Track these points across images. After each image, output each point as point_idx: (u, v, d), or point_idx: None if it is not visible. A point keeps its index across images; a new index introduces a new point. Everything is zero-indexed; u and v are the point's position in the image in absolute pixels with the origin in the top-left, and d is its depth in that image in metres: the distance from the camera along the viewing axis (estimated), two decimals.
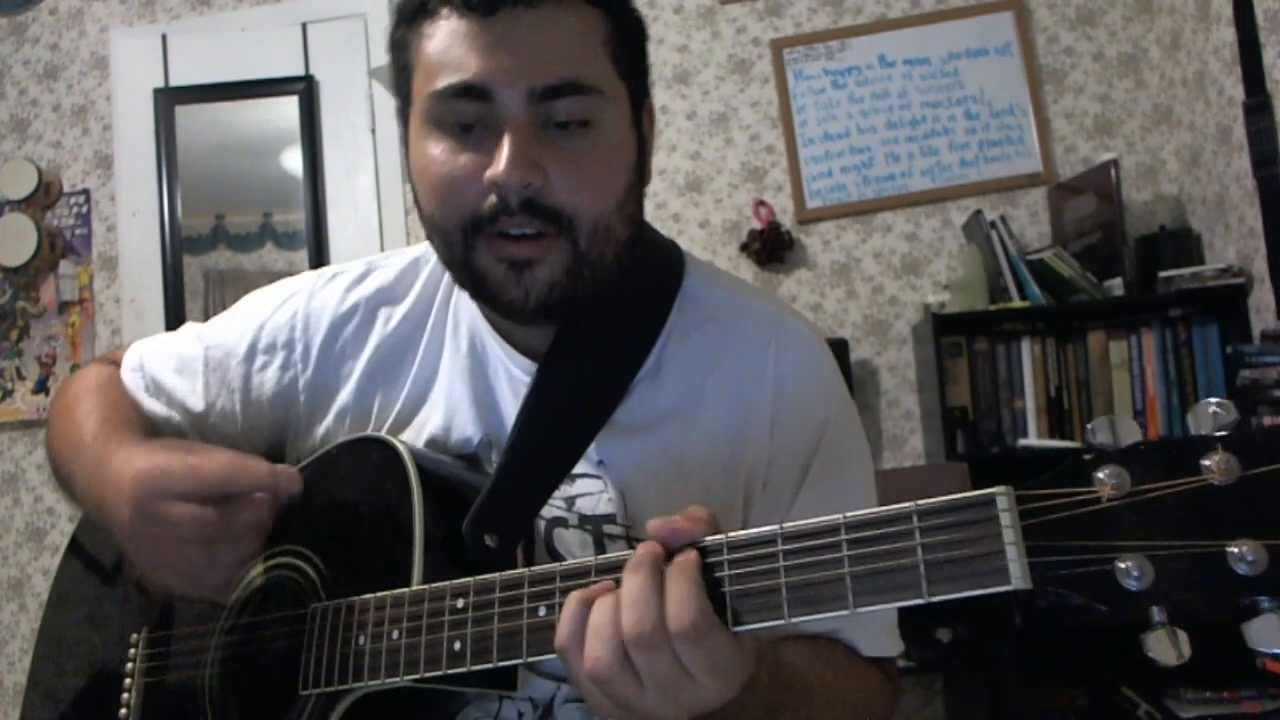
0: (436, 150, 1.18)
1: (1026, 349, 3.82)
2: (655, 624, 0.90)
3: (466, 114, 1.15)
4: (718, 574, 0.93)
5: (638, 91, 1.25)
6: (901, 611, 1.34)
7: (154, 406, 1.45)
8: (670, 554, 0.95)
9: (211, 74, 4.41)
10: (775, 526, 0.91)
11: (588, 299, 1.22)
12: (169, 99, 4.41)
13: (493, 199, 1.14)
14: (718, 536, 0.95)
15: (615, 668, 0.91)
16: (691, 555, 0.94)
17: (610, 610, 0.93)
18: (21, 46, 4.61)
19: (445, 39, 1.15)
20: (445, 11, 1.15)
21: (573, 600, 0.96)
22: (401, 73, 1.23)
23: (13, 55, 4.61)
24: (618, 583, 0.96)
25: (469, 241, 1.18)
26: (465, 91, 1.14)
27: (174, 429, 1.44)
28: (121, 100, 4.47)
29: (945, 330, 3.79)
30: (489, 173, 1.13)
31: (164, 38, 4.48)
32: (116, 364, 1.52)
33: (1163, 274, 3.72)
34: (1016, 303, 3.80)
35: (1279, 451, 0.71)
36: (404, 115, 1.26)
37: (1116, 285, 3.74)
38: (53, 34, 4.59)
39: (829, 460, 1.30)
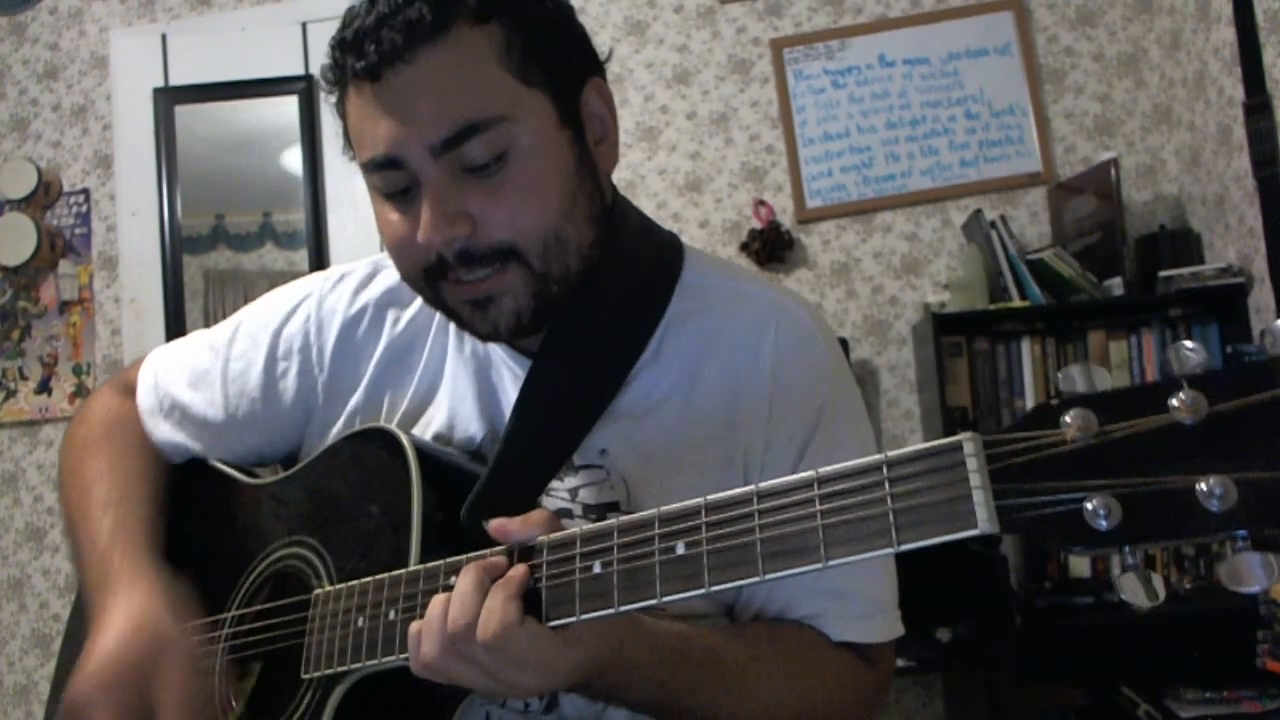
0: (382, 214, 1.22)
1: (1026, 349, 3.82)
2: (469, 625, 0.99)
3: (393, 181, 1.17)
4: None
5: (564, 86, 1.22)
6: (904, 607, 1.34)
7: (162, 434, 1.50)
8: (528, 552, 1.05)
9: (211, 74, 4.42)
10: (752, 488, 0.92)
11: (564, 305, 1.23)
12: (169, 99, 4.41)
13: (432, 256, 1.17)
14: (569, 532, 1.02)
15: (443, 659, 1.01)
16: (518, 571, 1.02)
17: (442, 607, 1.02)
18: (21, 46, 4.62)
19: (354, 112, 1.18)
20: (348, 83, 1.17)
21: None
22: (346, 134, 1.25)
23: (13, 55, 4.62)
24: (607, 550, 0.99)
25: (433, 286, 1.22)
26: (382, 164, 1.16)
27: (181, 452, 1.50)
28: (121, 100, 4.48)
29: (945, 330, 3.79)
30: (417, 237, 1.15)
31: (164, 37, 4.49)
32: (129, 386, 1.56)
33: (1163, 274, 3.72)
34: (1016, 303, 3.80)
35: (1247, 387, 0.70)
36: None
37: (1116, 285, 3.74)
38: (53, 34, 4.60)
39: (825, 442, 1.30)
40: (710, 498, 0.94)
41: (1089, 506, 0.73)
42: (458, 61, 1.13)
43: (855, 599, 1.29)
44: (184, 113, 4.41)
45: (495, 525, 1.05)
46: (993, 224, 3.89)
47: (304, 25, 4.39)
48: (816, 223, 4.19)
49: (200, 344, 1.53)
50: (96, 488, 1.42)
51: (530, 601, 1.00)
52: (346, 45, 1.15)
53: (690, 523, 0.94)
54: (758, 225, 4.15)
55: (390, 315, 1.43)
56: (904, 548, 0.80)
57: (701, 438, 1.29)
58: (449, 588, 1.07)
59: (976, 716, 3.69)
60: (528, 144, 1.16)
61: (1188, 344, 0.74)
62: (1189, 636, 3.49)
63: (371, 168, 1.17)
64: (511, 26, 1.16)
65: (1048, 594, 3.53)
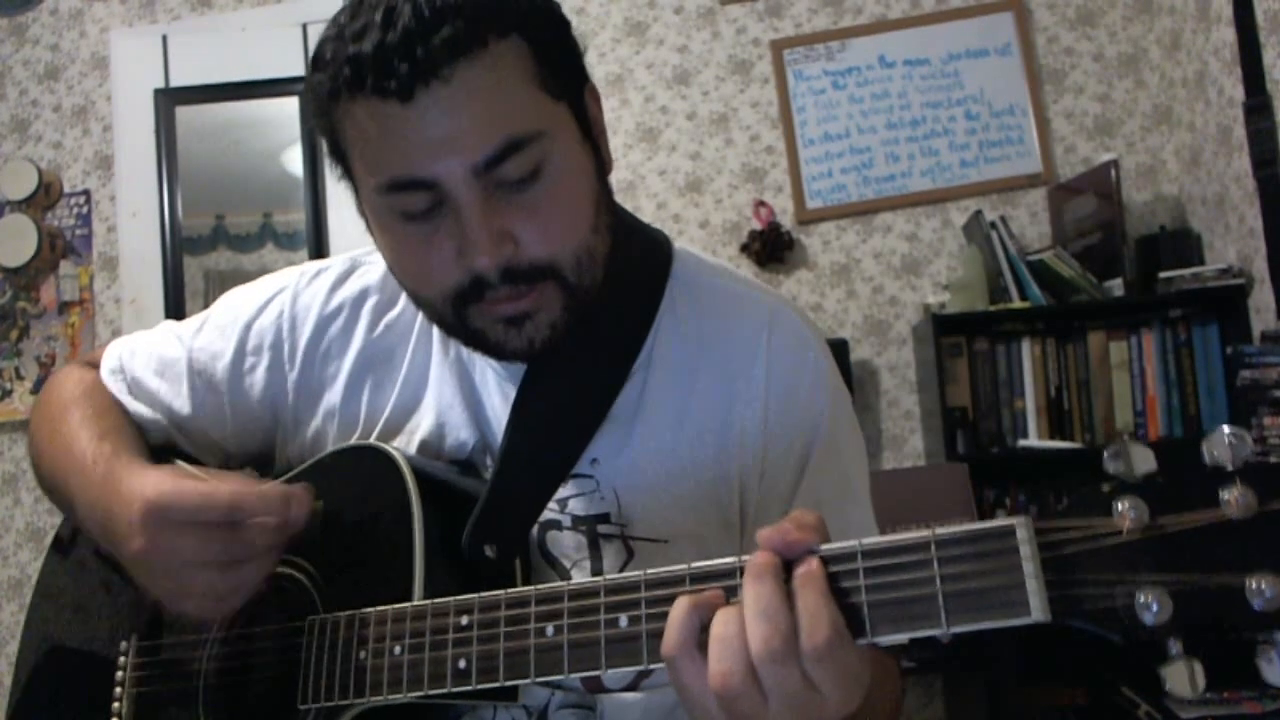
0: (397, 238, 1.16)
1: (1026, 349, 3.83)
2: (786, 638, 0.85)
3: (416, 203, 1.11)
4: (845, 584, 0.88)
5: (577, 96, 1.20)
6: None
7: (139, 409, 1.43)
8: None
9: (211, 74, 4.41)
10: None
11: (585, 317, 1.21)
12: (169, 99, 4.41)
13: (471, 277, 1.12)
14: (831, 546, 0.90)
15: (745, 683, 0.87)
16: (816, 565, 0.88)
17: (736, 622, 0.88)
18: (22, 47, 4.61)
19: (372, 128, 1.10)
20: (360, 98, 1.08)
21: (681, 605, 0.91)
22: (335, 150, 1.18)
23: (13, 55, 4.61)
24: (634, 604, 0.96)
25: (459, 311, 1.16)
26: (409, 185, 1.10)
27: (160, 432, 1.44)
28: (121, 100, 4.47)
29: (945, 330, 3.80)
30: (463, 260, 1.11)
31: (164, 38, 4.48)
32: (95, 366, 1.50)
33: (1163, 274, 3.74)
34: (1016, 303, 3.81)
35: None
36: (351, 184, 1.21)
37: (1116, 285, 3.75)
38: (53, 34, 4.59)
39: (826, 453, 1.29)
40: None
41: (1140, 599, 0.73)
42: (495, 79, 1.08)
43: None
44: (184, 113, 4.41)
45: (767, 533, 0.91)
46: (993, 224, 3.90)
47: (304, 26, 4.38)
48: (816, 223, 4.20)
49: (167, 334, 1.47)
50: (84, 431, 1.34)
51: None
52: (364, 61, 1.05)
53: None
54: (758, 226, 4.15)
55: (368, 315, 1.39)
56: (954, 630, 0.79)
57: (695, 447, 1.27)
58: (460, 626, 1.05)
59: (976, 716, 3.71)
60: (560, 159, 1.13)
61: (1228, 430, 0.74)
62: (1189, 637, 3.50)
63: (394, 189, 1.10)
64: (533, 39, 1.12)
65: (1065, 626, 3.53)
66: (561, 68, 1.16)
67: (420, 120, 1.07)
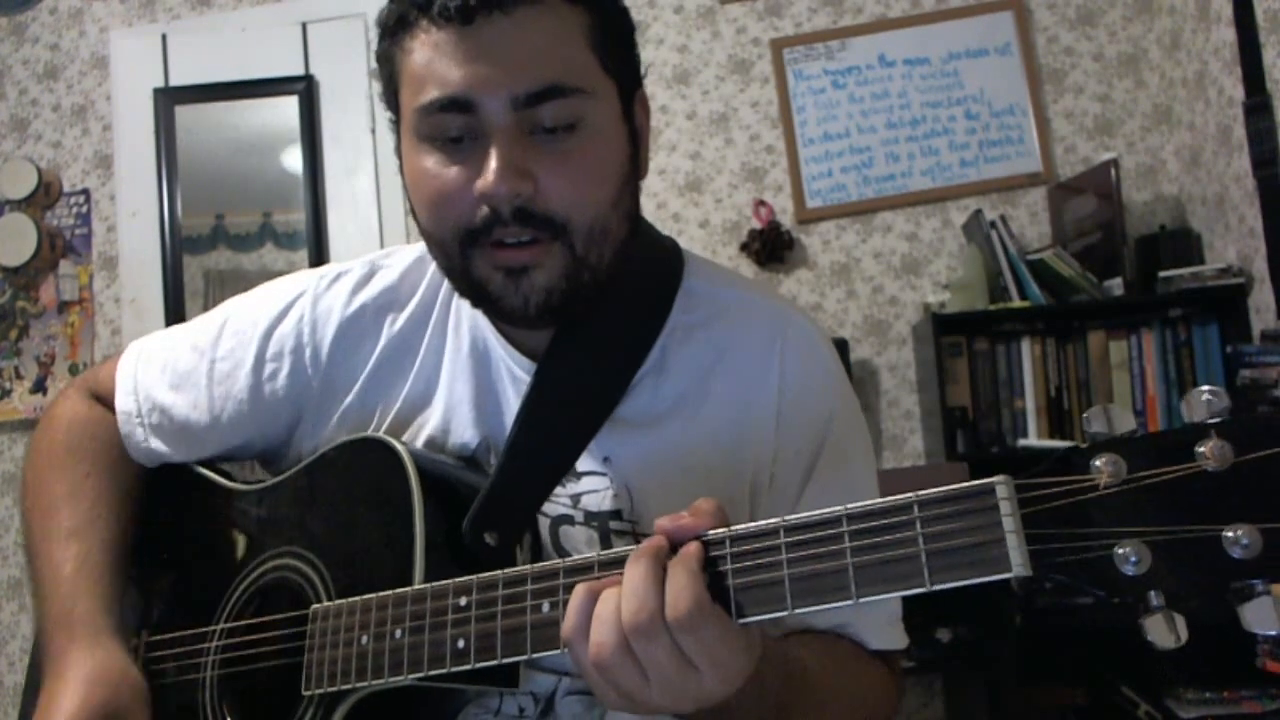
0: (427, 164, 1.18)
1: (1026, 349, 3.82)
2: (653, 612, 0.91)
3: (453, 127, 1.15)
4: (721, 566, 0.94)
5: (627, 84, 1.24)
6: (905, 609, 1.35)
7: (138, 441, 1.46)
8: (675, 548, 0.96)
9: (211, 74, 4.42)
10: (778, 519, 0.92)
11: (588, 299, 1.22)
12: (169, 99, 4.41)
13: (485, 210, 1.15)
14: (720, 530, 0.96)
15: (617, 656, 0.92)
16: (692, 547, 0.95)
17: (613, 600, 0.94)
18: (21, 46, 4.62)
19: (426, 53, 1.15)
20: (424, 24, 1.15)
21: (579, 592, 0.97)
22: (389, 86, 1.24)
23: (13, 55, 4.62)
24: None
25: (465, 252, 1.19)
26: (449, 105, 1.14)
27: (157, 460, 1.46)
28: (121, 100, 4.48)
29: (945, 330, 3.79)
30: (478, 184, 1.13)
31: (164, 38, 4.49)
32: (98, 391, 1.52)
33: (1163, 274, 3.72)
34: (1016, 303, 3.80)
35: (1271, 437, 0.72)
36: (396, 126, 1.26)
37: (1116, 285, 3.74)
38: (53, 34, 4.61)
39: (834, 455, 1.31)
40: (734, 528, 0.95)
41: (1119, 552, 0.75)
42: (553, 27, 1.15)
43: (879, 607, 1.31)
44: (184, 113, 4.41)
45: (663, 521, 0.98)
46: (993, 224, 3.89)
47: (304, 25, 4.40)
48: (816, 223, 4.19)
49: (182, 342, 1.48)
50: (61, 511, 1.40)
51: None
52: None
53: (718, 551, 0.95)
54: (758, 225, 4.15)
55: (389, 317, 1.40)
56: (937, 588, 0.81)
57: (706, 448, 1.29)
58: (459, 607, 1.07)
59: (976, 716, 3.70)
60: (598, 123, 1.18)
61: (1206, 389, 0.75)
62: (1189, 637, 3.49)
63: (434, 108, 1.15)
64: (597, 13, 1.19)
65: (1048, 594, 3.53)
66: (618, 51, 1.22)
67: (473, 43, 1.13)
